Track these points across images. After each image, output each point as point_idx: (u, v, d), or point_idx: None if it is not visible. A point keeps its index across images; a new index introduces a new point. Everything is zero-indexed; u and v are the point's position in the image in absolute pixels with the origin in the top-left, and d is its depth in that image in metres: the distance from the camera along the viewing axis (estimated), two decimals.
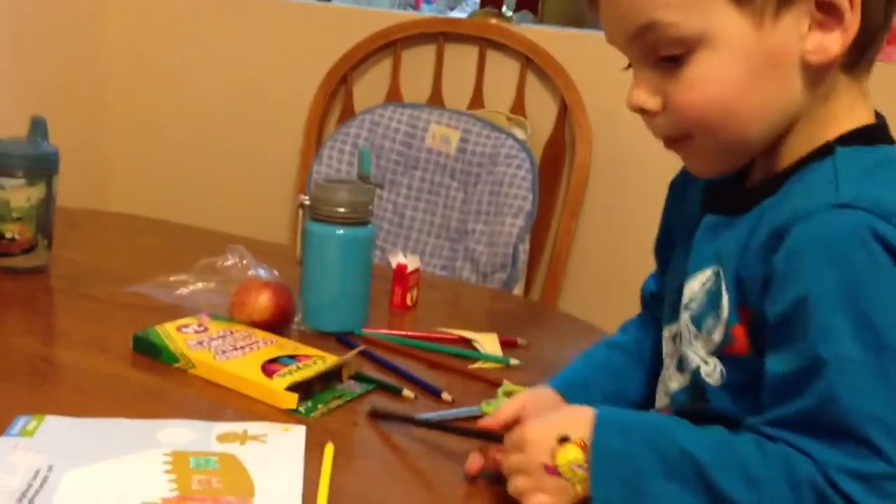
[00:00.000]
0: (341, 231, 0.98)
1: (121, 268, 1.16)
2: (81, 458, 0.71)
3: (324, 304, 1.00)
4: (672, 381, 0.71)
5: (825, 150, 0.63)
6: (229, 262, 1.09)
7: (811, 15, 0.60)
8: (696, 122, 0.64)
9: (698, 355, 0.66)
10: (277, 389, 0.82)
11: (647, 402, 0.78)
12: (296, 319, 0.99)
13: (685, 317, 0.68)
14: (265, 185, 1.92)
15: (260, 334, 0.94)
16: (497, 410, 0.74)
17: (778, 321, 0.59)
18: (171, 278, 1.08)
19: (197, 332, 0.94)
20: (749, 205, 0.65)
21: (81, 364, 0.89)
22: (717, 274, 0.65)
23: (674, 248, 0.77)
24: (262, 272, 1.08)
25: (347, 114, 1.76)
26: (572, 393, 0.77)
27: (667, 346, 0.74)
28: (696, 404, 0.67)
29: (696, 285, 0.68)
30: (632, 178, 1.65)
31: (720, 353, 0.65)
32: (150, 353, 0.90)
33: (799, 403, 0.57)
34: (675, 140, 0.67)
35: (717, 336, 0.64)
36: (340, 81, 1.77)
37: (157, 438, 0.74)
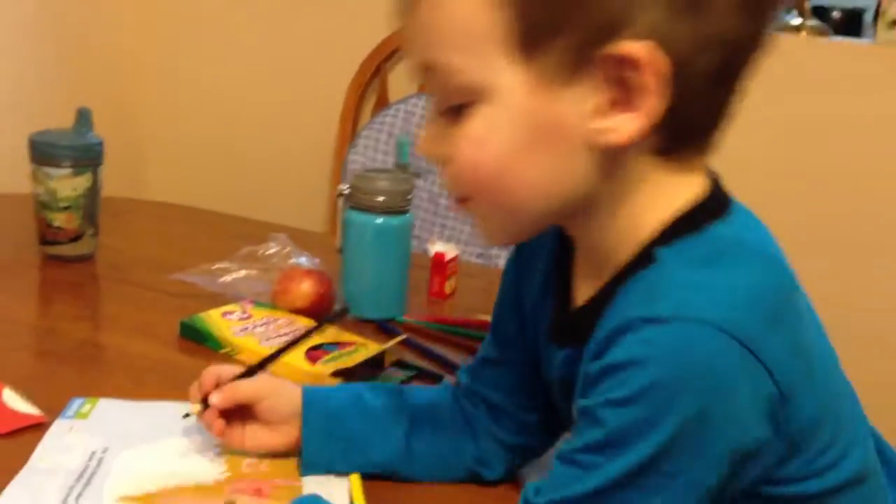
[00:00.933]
0: (380, 220, 1.00)
1: (164, 256, 1.18)
2: (135, 439, 0.73)
3: (364, 292, 1.01)
4: None
5: (647, 258, 0.55)
6: (272, 251, 1.11)
7: (608, 91, 0.52)
8: (470, 183, 0.58)
9: None
10: (323, 375, 0.84)
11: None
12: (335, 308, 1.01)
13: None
14: (300, 174, 1.94)
15: (303, 321, 0.95)
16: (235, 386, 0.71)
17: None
18: (214, 266, 1.11)
19: (241, 318, 0.95)
20: (585, 335, 0.57)
21: (130, 349, 0.91)
22: None
23: (522, 323, 0.69)
24: (303, 260, 1.09)
25: (382, 104, 1.77)
26: (313, 414, 0.71)
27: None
28: None
29: None
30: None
31: None
32: (197, 339, 0.93)
33: (577, 489, 0.53)
34: (458, 200, 0.60)
35: None
36: (375, 72, 1.78)
37: None
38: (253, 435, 0.71)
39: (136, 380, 0.85)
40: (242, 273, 1.09)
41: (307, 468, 0.70)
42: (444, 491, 0.71)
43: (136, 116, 2.01)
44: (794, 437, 0.54)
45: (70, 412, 0.76)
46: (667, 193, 0.56)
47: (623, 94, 0.52)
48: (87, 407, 0.78)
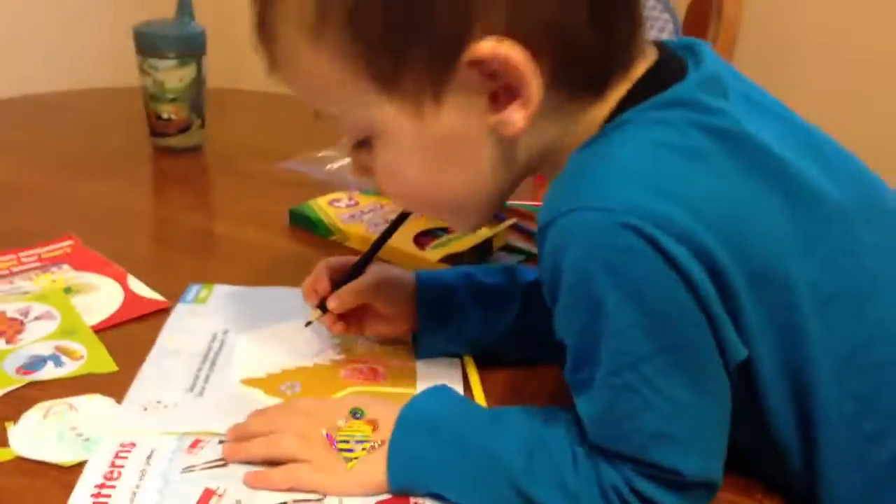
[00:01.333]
0: None
1: (269, 145, 1.19)
2: (254, 322, 0.75)
3: None
4: None
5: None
6: None
7: (484, 91, 0.52)
8: (409, 204, 0.62)
9: None
10: (430, 261, 0.84)
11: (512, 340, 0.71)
12: None
13: None
14: None
15: None
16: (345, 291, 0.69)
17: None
18: (320, 154, 1.11)
19: (348, 206, 0.96)
20: None
21: (243, 237, 0.93)
22: None
23: None
24: None
25: None
26: (432, 295, 0.71)
27: None
28: None
29: None
30: (786, 36, 1.55)
31: None
32: (306, 226, 0.94)
33: (589, 411, 0.54)
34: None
35: None
36: None
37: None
38: (372, 327, 0.72)
39: (250, 267, 0.86)
40: (347, 160, 1.09)
41: (423, 352, 0.71)
42: (553, 372, 0.71)
43: (235, 3, 2.00)
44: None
45: (189, 297, 0.79)
46: (601, 107, 0.55)
47: (499, 88, 0.52)
48: (204, 292, 0.80)
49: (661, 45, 0.58)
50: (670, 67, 0.56)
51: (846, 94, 1.63)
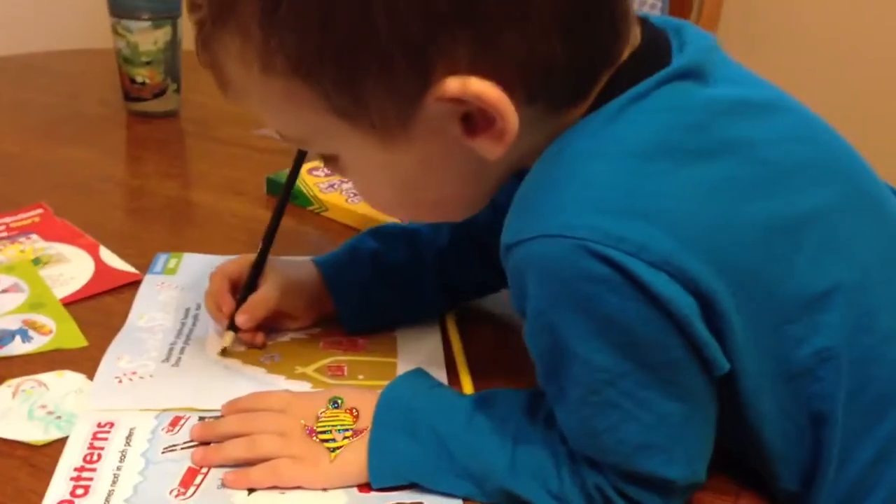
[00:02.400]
0: None
1: (248, 111, 1.16)
2: None
3: None
4: None
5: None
6: None
7: (456, 123, 0.49)
8: (387, 214, 0.63)
9: None
10: (377, 219, 0.82)
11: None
12: None
13: None
14: None
15: None
16: (254, 301, 0.66)
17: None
18: None
19: (327, 175, 0.94)
20: None
21: (219, 206, 0.91)
22: None
23: None
24: None
25: None
26: (338, 286, 0.69)
27: None
28: None
29: None
30: (768, 17, 1.53)
31: None
32: None
33: (567, 424, 0.52)
34: None
35: None
36: None
37: None
38: (280, 324, 0.69)
39: (226, 237, 0.85)
40: None
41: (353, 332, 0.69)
42: None
43: None
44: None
45: (157, 268, 0.77)
46: (583, 105, 0.51)
47: (472, 110, 0.48)
48: (173, 262, 0.78)
49: (645, 25, 0.54)
50: (652, 55, 0.52)
51: (828, 75, 1.61)
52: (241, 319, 0.66)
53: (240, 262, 0.70)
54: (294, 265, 0.70)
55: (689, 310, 0.46)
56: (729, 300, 0.47)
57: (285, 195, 0.70)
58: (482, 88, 0.47)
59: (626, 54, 0.51)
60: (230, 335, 0.66)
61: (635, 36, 0.52)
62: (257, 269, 0.68)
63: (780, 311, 0.50)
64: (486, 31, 0.46)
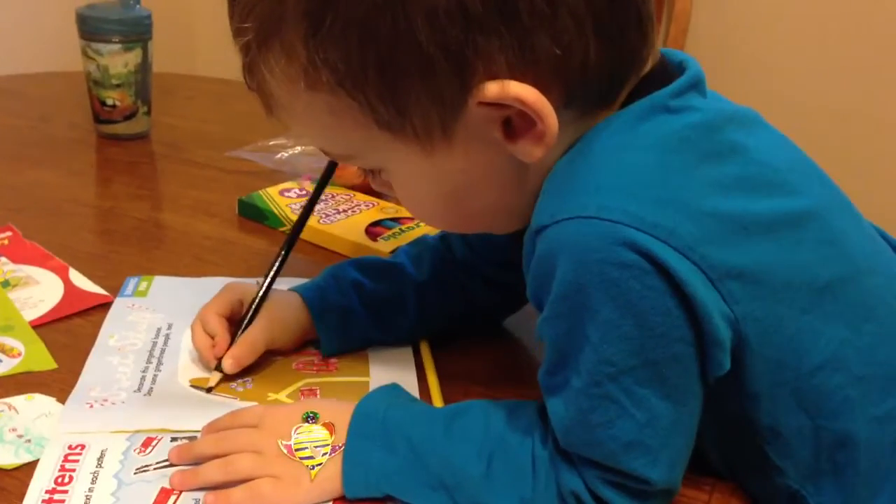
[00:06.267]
0: None
1: (218, 132, 1.17)
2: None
3: None
4: None
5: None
6: None
7: (498, 128, 0.51)
8: (435, 227, 0.64)
9: None
10: (383, 252, 0.83)
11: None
12: None
13: None
14: None
15: (361, 197, 0.94)
16: (243, 342, 0.66)
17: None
18: (271, 142, 1.09)
19: (299, 196, 0.94)
20: None
21: (190, 228, 0.91)
22: None
23: None
24: None
25: None
26: (323, 317, 0.68)
27: None
28: None
29: None
30: (736, 25, 1.56)
31: None
32: (256, 217, 0.92)
33: (562, 415, 0.52)
34: None
35: None
36: None
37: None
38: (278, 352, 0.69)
39: (197, 258, 0.84)
40: (298, 149, 1.08)
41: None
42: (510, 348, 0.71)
43: None
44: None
45: (128, 291, 0.77)
46: (611, 108, 0.54)
47: (512, 115, 0.50)
48: (143, 285, 0.78)
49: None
50: (665, 69, 0.55)
51: (796, 82, 1.64)
52: (228, 364, 0.65)
53: (228, 297, 0.69)
54: (282, 304, 0.69)
55: (711, 303, 0.48)
56: (749, 286, 0.49)
57: (294, 235, 0.69)
58: (521, 91, 0.48)
59: (649, 65, 0.54)
60: (217, 376, 0.65)
61: (657, 51, 0.55)
62: (257, 309, 0.67)
63: (797, 300, 0.52)
64: (519, 30, 0.47)
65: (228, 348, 0.66)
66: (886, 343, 0.55)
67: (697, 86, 0.54)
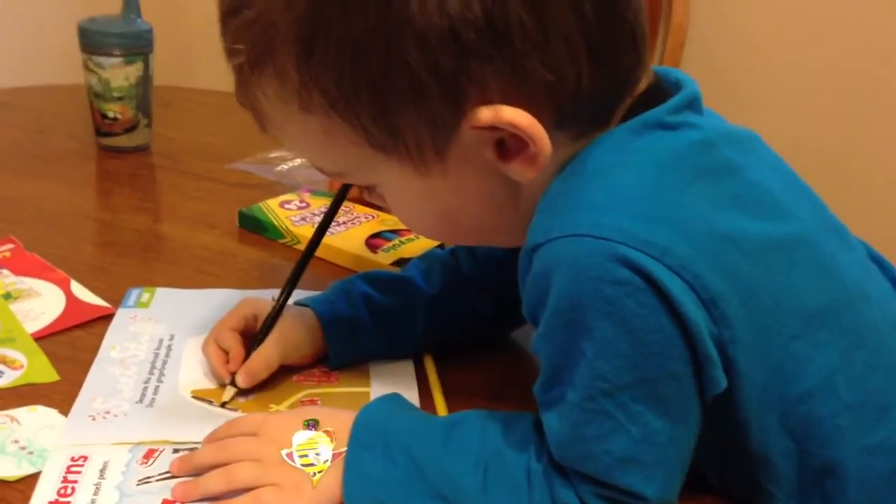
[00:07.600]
0: None
1: (218, 145, 1.17)
2: (200, 327, 0.73)
3: None
4: None
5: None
6: None
7: (490, 149, 0.51)
8: (432, 239, 0.65)
9: None
10: (383, 264, 0.83)
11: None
12: None
13: None
14: None
15: (361, 209, 0.94)
16: (257, 358, 0.65)
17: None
18: (271, 154, 1.09)
19: (299, 207, 0.95)
20: None
21: (191, 240, 0.91)
22: None
23: None
24: None
25: None
26: (334, 332, 0.69)
27: None
28: None
29: None
30: (732, 40, 1.57)
31: None
32: (256, 229, 0.92)
33: (557, 430, 0.52)
34: None
35: None
36: None
37: None
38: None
39: (197, 270, 0.85)
40: (298, 161, 1.08)
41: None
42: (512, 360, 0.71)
43: (184, 2, 1.97)
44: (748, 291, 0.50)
45: (130, 302, 0.77)
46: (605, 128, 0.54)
47: (505, 136, 0.50)
48: (146, 296, 0.78)
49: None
50: (660, 87, 0.55)
51: (791, 97, 1.65)
52: (242, 379, 0.65)
53: (243, 312, 0.69)
54: (296, 319, 0.69)
55: (701, 322, 0.48)
56: (739, 309, 0.49)
57: (309, 252, 0.69)
58: (514, 116, 0.49)
59: (643, 84, 0.54)
60: (231, 391, 0.65)
61: (651, 70, 0.55)
62: (272, 324, 0.67)
63: (787, 325, 0.52)
64: (512, 56, 0.48)
65: (242, 363, 0.66)
66: (878, 372, 0.55)
67: (693, 104, 0.55)
